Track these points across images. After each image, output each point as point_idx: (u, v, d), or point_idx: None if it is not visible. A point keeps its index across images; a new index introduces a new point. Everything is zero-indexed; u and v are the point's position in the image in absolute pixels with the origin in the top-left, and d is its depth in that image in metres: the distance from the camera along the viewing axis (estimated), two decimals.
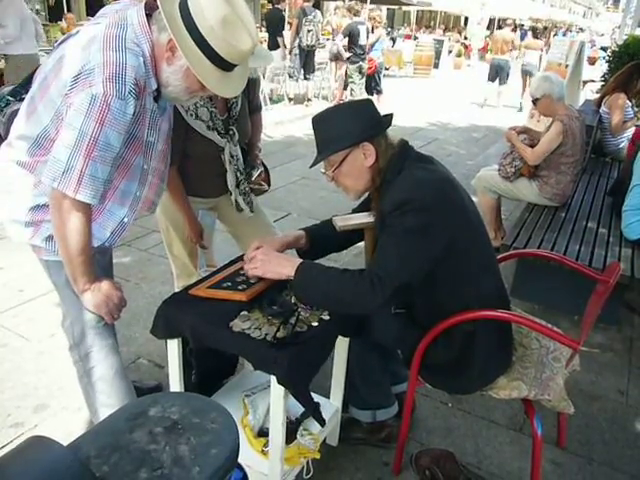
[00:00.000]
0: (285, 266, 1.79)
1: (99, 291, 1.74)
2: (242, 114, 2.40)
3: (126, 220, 1.83)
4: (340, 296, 1.70)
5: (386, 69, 14.77)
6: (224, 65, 1.60)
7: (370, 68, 10.39)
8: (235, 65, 1.65)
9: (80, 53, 1.54)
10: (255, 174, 2.49)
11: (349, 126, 1.77)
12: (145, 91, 1.61)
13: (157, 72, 1.63)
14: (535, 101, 3.94)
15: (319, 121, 1.83)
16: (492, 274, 1.93)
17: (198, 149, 2.28)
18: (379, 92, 10.79)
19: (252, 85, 2.46)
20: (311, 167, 1.91)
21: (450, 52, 20.80)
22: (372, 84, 10.70)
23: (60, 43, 1.67)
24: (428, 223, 1.67)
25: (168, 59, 1.59)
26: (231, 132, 2.32)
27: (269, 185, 2.76)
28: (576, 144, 3.76)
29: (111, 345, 1.96)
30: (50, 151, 1.57)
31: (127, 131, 1.60)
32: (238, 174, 2.41)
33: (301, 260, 1.81)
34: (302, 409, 1.94)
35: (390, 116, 1.87)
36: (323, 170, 1.88)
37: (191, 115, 2.20)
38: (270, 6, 10.21)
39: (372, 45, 10.49)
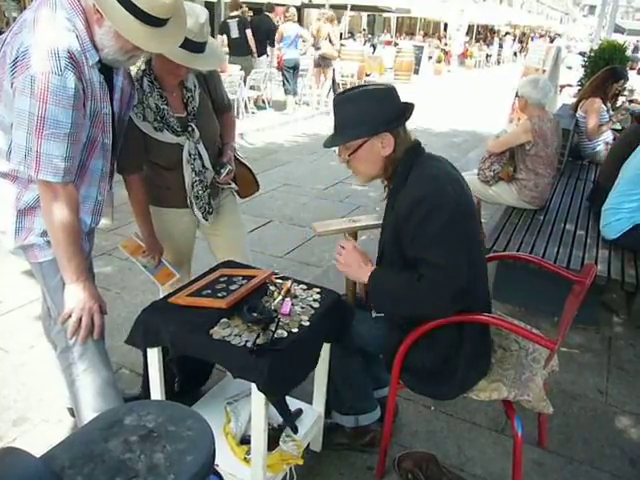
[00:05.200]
0: (363, 273, 1.86)
1: (84, 290, 1.77)
2: (203, 110, 2.31)
3: (100, 198, 1.90)
4: (407, 305, 1.79)
5: (367, 75, 14.83)
6: (150, 20, 1.62)
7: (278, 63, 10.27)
8: (163, 20, 1.66)
9: (15, 39, 1.58)
10: (223, 173, 2.38)
11: (373, 113, 1.76)
12: (85, 65, 1.63)
13: (93, 38, 1.65)
14: (517, 95, 4.06)
15: (344, 101, 1.82)
16: (483, 277, 1.95)
17: (164, 155, 2.24)
18: (287, 92, 10.52)
19: (210, 80, 2.37)
20: (327, 147, 1.89)
21: (430, 58, 20.97)
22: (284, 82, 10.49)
23: (3, 41, 1.67)
24: (453, 218, 1.70)
25: (98, 21, 1.62)
26: (190, 129, 2.23)
27: (257, 187, 2.71)
28: (548, 145, 3.82)
29: (103, 348, 1.95)
30: None
31: (78, 107, 1.62)
32: (193, 175, 2.29)
33: (374, 268, 1.87)
34: None
35: (412, 106, 1.87)
36: (336, 150, 1.89)
37: (139, 117, 2.14)
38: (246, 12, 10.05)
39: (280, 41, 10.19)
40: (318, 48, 10.62)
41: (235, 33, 9.51)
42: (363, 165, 1.86)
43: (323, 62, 10.67)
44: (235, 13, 9.64)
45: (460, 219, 1.73)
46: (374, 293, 1.86)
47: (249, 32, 9.44)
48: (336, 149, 1.89)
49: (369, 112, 1.77)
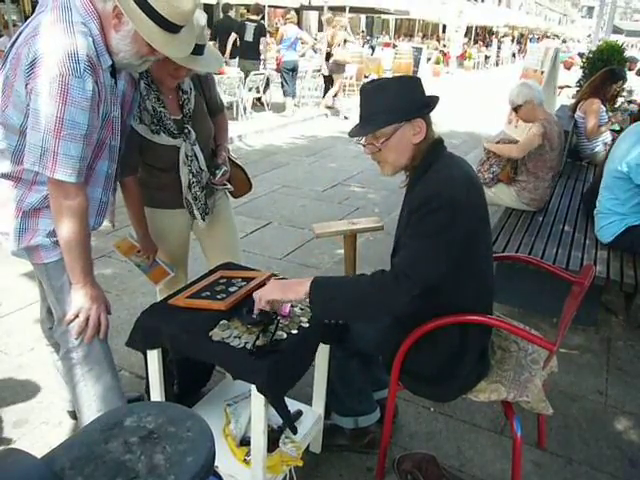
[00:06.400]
0: (301, 284, 1.73)
1: (91, 290, 1.80)
2: (198, 112, 2.33)
3: (104, 199, 1.91)
4: (362, 299, 1.68)
5: (366, 77, 14.85)
6: (168, 26, 1.67)
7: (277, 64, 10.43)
8: (180, 26, 1.71)
9: (32, 42, 1.58)
10: (219, 174, 2.40)
11: (405, 99, 1.75)
12: (99, 68, 1.66)
13: (107, 42, 1.67)
14: (516, 108, 4.00)
15: (374, 89, 1.78)
16: (488, 279, 1.94)
17: (160, 157, 2.24)
18: (285, 93, 10.58)
19: (205, 83, 2.39)
20: (354, 136, 1.82)
21: (429, 60, 20.99)
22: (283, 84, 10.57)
23: (12, 44, 1.68)
24: (456, 221, 1.66)
25: (115, 26, 1.65)
26: (186, 131, 2.25)
27: (250, 186, 2.73)
28: (553, 149, 3.82)
29: (107, 349, 1.96)
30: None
31: (94, 109, 1.64)
32: (190, 176, 2.31)
33: (314, 277, 1.75)
34: None
35: (436, 98, 1.85)
36: (363, 142, 1.83)
37: (135, 119, 2.14)
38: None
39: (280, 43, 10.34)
40: (331, 54, 10.66)
41: (250, 37, 9.63)
42: (394, 154, 1.80)
43: (336, 68, 10.71)
44: (254, 17, 9.75)
45: (465, 222, 1.69)
46: (320, 298, 1.71)
47: (264, 40, 9.62)
48: (362, 139, 1.83)
49: (401, 98, 1.75)
